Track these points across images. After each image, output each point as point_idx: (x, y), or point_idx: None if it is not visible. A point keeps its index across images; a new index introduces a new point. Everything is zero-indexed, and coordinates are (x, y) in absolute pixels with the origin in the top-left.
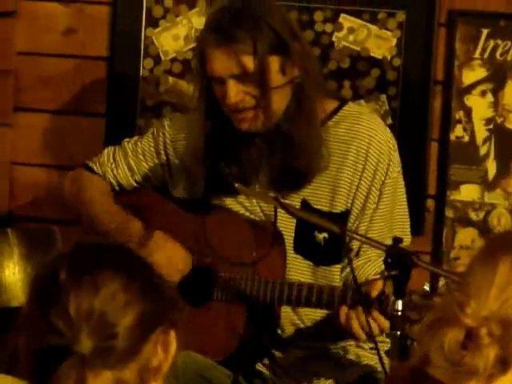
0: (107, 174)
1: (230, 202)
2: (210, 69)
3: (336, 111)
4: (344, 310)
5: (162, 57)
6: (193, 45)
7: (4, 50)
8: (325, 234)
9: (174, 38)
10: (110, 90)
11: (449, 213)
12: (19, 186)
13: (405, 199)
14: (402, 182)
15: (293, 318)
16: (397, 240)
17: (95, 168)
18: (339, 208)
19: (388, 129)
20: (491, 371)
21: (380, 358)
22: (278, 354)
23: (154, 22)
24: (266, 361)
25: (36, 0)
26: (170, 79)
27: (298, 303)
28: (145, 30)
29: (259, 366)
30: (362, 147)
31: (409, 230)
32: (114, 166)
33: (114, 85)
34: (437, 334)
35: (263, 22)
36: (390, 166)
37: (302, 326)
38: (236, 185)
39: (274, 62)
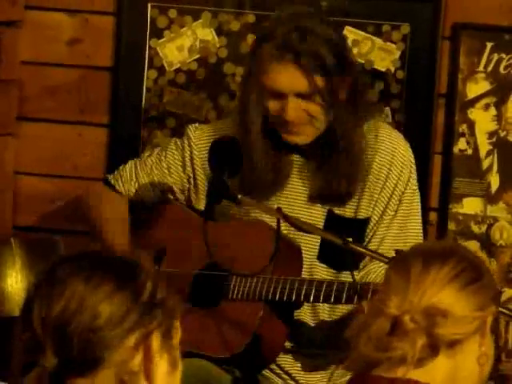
0: (130, 193)
1: (235, 213)
2: (272, 83)
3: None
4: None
5: (166, 67)
6: (197, 55)
7: (8, 59)
8: (350, 238)
9: (178, 48)
10: (113, 101)
11: (451, 226)
12: (23, 196)
13: (420, 214)
14: (419, 197)
15: (308, 323)
16: (398, 252)
17: (117, 186)
18: (362, 215)
19: (408, 143)
20: (420, 355)
21: None
22: (286, 359)
23: (158, 33)
24: (273, 366)
25: (41, 10)
26: (174, 90)
27: (317, 299)
28: (149, 40)
29: (266, 372)
30: (386, 157)
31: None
32: (136, 185)
33: (118, 95)
34: (364, 329)
35: (329, 43)
36: (410, 178)
37: (314, 335)
38: (239, 196)
39: (335, 82)
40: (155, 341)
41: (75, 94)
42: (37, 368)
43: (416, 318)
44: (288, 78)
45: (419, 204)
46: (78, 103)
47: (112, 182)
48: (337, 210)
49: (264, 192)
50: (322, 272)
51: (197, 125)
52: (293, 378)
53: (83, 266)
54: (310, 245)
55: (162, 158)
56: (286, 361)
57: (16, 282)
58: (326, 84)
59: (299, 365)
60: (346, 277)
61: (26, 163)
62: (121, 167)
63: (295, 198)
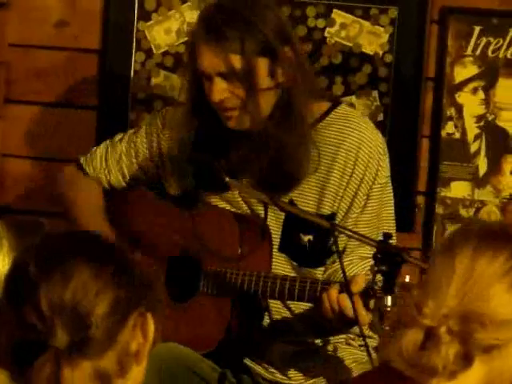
0: (101, 180)
1: (215, 198)
2: (199, 64)
3: (327, 113)
4: (325, 296)
5: (154, 50)
6: (185, 39)
7: None
8: (310, 237)
9: (166, 31)
10: (101, 83)
11: (439, 209)
12: (9, 178)
13: (392, 205)
14: (390, 188)
15: (282, 312)
16: (387, 236)
17: (89, 171)
18: (326, 210)
19: (379, 132)
20: (452, 368)
21: (369, 354)
22: (267, 348)
23: (146, 16)
24: (254, 356)
25: None
26: (162, 73)
27: (282, 296)
28: (137, 23)
29: (247, 361)
30: (352, 150)
31: (395, 235)
32: (106, 171)
33: (106, 78)
34: (396, 336)
35: (254, 24)
36: (378, 171)
37: (291, 320)
38: (227, 179)
39: (262, 65)
40: (151, 323)
41: (63, 76)
42: (46, 350)
43: (453, 327)
44: (210, 57)
45: (391, 196)
46: (65, 86)
47: (84, 165)
48: (300, 205)
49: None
50: (283, 264)
51: (165, 109)
52: (274, 366)
53: (82, 248)
54: (272, 234)
55: (132, 144)
56: (266, 349)
57: (3, 266)
58: (245, 65)
59: (279, 352)
60: (307, 272)
61: (12, 145)
62: (93, 150)
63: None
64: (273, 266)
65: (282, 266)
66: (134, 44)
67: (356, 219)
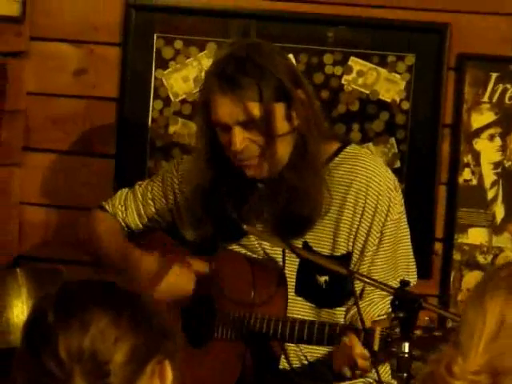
0: (117, 217)
1: (232, 245)
2: (215, 115)
3: (337, 153)
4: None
5: (172, 98)
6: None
7: (14, 90)
8: (326, 277)
9: (183, 79)
10: (119, 131)
11: (456, 256)
12: (28, 226)
13: (408, 239)
14: (405, 222)
15: (299, 355)
16: (404, 283)
17: (108, 208)
18: (340, 251)
19: (389, 169)
20: None
21: None
22: None
23: (163, 64)
24: None
25: (47, 40)
26: (180, 120)
27: (293, 339)
28: (155, 71)
29: None
30: (362, 189)
31: (414, 269)
32: (123, 209)
33: (124, 126)
34: None
35: (267, 70)
36: (390, 208)
37: (307, 364)
38: (244, 226)
39: (279, 109)
40: (169, 370)
41: (81, 124)
42: None
43: (483, 382)
44: (228, 107)
45: (406, 230)
46: (83, 134)
47: (105, 206)
48: (314, 247)
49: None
50: (301, 307)
51: (181, 157)
52: None
53: (100, 296)
54: (288, 278)
55: (149, 187)
56: None
57: (22, 313)
58: (263, 112)
59: None
60: (327, 313)
61: (31, 193)
62: (115, 195)
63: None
64: (290, 310)
65: (299, 309)
66: (152, 92)
67: (372, 257)
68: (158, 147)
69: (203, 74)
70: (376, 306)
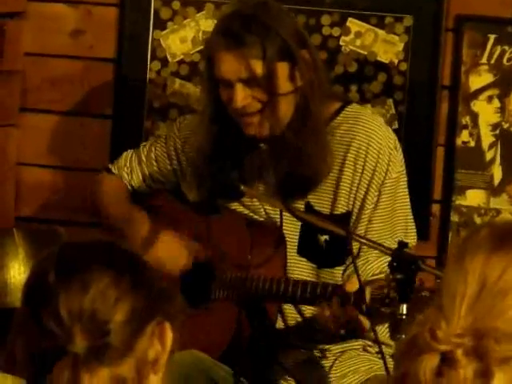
0: (123, 179)
1: (234, 204)
2: (218, 72)
3: (338, 112)
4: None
5: (169, 59)
6: (200, 47)
7: (12, 50)
8: (326, 237)
9: (181, 40)
10: (117, 92)
11: (454, 218)
12: (25, 187)
13: (407, 199)
14: (405, 182)
15: (296, 317)
16: (402, 244)
17: (113, 170)
18: (340, 209)
19: (389, 128)
20: None
21: (385, 363)
22: (281, 355)
23: (161, 25)
24: (269, 361)
25: (44, 1)
26: (177, 81)
27: (293, 300)
28: (152, 32)
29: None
30: (362, 147)
31: (413, 230)
32: (129, 171)
33: (121, 87)
34: (411, 360)
35: (273, 29)
36: (389, 166)
37: (304, 325)
38: (242, 187)
39: (282, 69)
40: (169, 332)
41: (78, 85)
42: (64, 357)
43: (468, 346)
44: (231, 64)
45: (405, 190)
46: (80, 94)
47: (110, 167)
48: (316, 207)
49: (235, 198)
50: (304, 267)
51: (183, 117)
52: (290, 373)
53: (101, 256)
54: (288, 239)
55: (152, 148)
56: (283, 355)
57: (19, 274)
58: (266, 70)
59: (295, 359)
60: (327, 273)
61: (28, 154)
62: (120, 156)
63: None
64: (291, 270)
65: (301, 269)
66: (150, 53)
67: (370, 215)
68: (155, 108)
69: (201, 34)
70: (371, 266)
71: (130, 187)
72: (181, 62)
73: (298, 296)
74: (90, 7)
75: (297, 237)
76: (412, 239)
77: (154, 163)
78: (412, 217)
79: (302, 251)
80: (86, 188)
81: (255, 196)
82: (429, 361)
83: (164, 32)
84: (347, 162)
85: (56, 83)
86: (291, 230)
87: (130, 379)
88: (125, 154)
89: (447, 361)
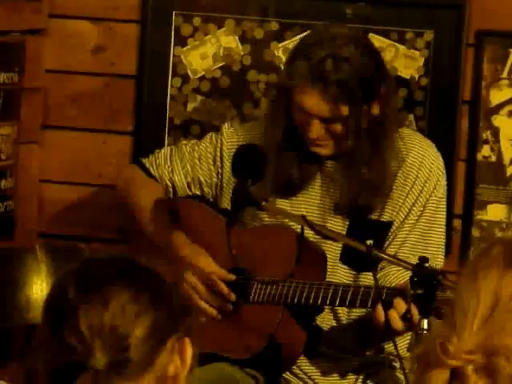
0: (164, 177)
1: (252, 220)
2: (298, 99)
3: (395, 130)
4: (379, 307)
5: (191, 75)
6: (221, 63)
7: (33, 67)
8: (371, 241)
9: (202, 56)
10: (138, 109)
11: (475, 232)
12: (47, 204)
13: (444, 223)
14: (444, 207)
15: (331, 324)
16: (423, 259)
17: (152, 170)
18: (386, 218)
19: (439, 153)
20: None
21: (405, 377)
22: (309, 364)
23: (182, 41)
24: (295, 370)
25: (65, 18)
26: (198, 98)
27: (333, 303)
28: (173, 48)
29: (287, 375)
30: (415, 164)
31: (442, 254)
32: (170, 169)
33: (142, 103)
34: (422, 374)
35: (360, 72)
36: (437, 186)
37: (338, 333)
38: (263, 203)
39: (363, 109)
40: (189, 347)
41: (99, 101)
42: (85, 372)
43: (481, 363)
44: (314, 102)
45: (444, 214)
46: (102, 111)
47: (147, 165)
48: (368, 213)
49: (287, 196)
50: (343, 273)
51: (232, 123)
52: (314, 382)
53: (121, 272)
54: (333, 246)
55: (196, 147)
56: (308, 364)
57: (41, 290)
58: (352, 112)
59: (320, 368)
60: (365, 277)
61: (50, 171)
62: (156, 151)
63: (319, 206)
64: (332, 277)
65: (341, 275)
66: (171, 69)
67: (410, 228)
68: (176, 124)
69: (222, 50)
70: (400, 273)
71: (170, 185)
72: (202, 78)
73: (348, 300)
74: (112, 24)
75: (340, 245)
76: (440, 262)
77: (197, 162)
78: (444, 242)
79: (345, 258)
80: (107, 204)
81: (275, 212)
82: (439, 375)
83: (185, 48)
84: (399, 175)
85: (78, 100)
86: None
87: None
88: (163, 150)
89: (457, 376)
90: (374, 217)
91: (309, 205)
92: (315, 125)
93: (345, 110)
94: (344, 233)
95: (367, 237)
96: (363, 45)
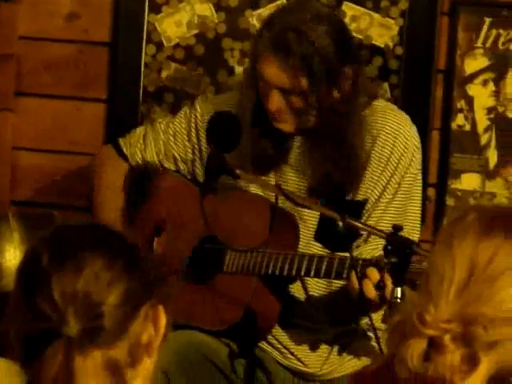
0: (135, 156)
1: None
2: (259, 70)
3: (365, 106)
4: (353, 275)
5: (165, 43)
6: (195, 31)
7: (6, 34)
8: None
9: (176, 24)
10: (112, 76)
11: (450, 201)
12: (20, 171)
13: (420, 198)
14: (420, 183)
15: (305, 296)
16: (397, 228)
17: (124, 149)
18: (360, 196)
19: (414, 126)
20: (461, 372)
21: (380, 347)
22: (284, 334)
23: (156, 8)
24: (271, 339)
25: None
26: (173, 65)
27: (308, 273)
28: (147, 15)
29: (263, 345)
30: (389, 140)
31: (419, 229)
32: (142, 147)
33: (116, 70)
34: (399, 344)
35: (322, 48)
36: (412, 162)
37: (310, 308)
38: (237, 171)
39: (323, 85)
40: (162, 315)
41: (73, 68)
42: (58, 339)
43: (458, 332)
44: (274, 71)
45: (420, 190)
46: (76, 78)
47: (121, 144)
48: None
49: (262, 168)
50: (317, 251)
51: (206, 97)
52: (290, 352)
53: (94, 239)
54: (308, 223)
55: (170, 124)
56: (283, 334)
57: (14, 257)
58: (312, 87)
59: (296, 338)
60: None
61: (23, 138)
62: (132, 130)
63: (294, 187)
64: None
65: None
66: (145, 37)
67: (385, 206)
68: (150, 92)
69: (196, 18)
70: (380, 252)
71: (140, 162)
72: (176, 45)
73: (322, 270)
74: None
75: (315, 222)
76: (416, 237)
77: (172, 138)
78: (420, 217)
79: (319, 237)
80: (80, 172)
81: (251, 180)
82: (416, 345)
83: (159, 16)
84: (373, 152)
85: (51, 67)
86: (310, 216)
87: (123, 362)
88: (138, 130)
89: (435, 346)
90: (348, 196)
91: (284, 186)
92: (274, 95)
93: (304, 82)
94: (317, 215)
95: (344, 217)
96: (333, 24)
